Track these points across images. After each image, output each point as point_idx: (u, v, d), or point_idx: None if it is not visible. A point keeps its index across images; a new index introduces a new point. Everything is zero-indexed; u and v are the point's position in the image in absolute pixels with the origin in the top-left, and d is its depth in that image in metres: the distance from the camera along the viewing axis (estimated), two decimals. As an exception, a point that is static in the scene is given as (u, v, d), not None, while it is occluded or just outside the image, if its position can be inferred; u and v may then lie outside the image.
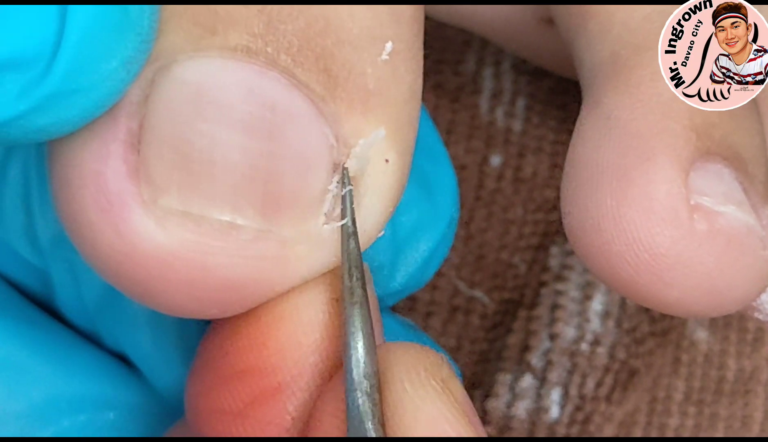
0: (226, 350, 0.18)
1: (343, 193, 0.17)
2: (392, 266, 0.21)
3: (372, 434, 0.16)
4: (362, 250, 0.18)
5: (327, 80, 0.17)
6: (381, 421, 0.16)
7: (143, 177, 0.16)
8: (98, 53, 0.15)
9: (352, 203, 0.17)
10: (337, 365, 0.18)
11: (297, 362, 0.18)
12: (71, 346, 0.22)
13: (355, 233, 0.18)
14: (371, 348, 0.17)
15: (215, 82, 0.16)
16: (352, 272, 0.17)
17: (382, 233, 0.19)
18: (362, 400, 0.16)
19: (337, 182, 0.17)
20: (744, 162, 0.20)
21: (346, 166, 0.17)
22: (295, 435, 0.18)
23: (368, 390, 0.16)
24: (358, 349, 0.17)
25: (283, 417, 0.18)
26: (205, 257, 0.17)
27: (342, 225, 0.17)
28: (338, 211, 0.18)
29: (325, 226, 0.17)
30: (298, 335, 0.18)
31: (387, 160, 0.18)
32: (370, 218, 0.18)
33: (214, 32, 0.16)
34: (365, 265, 0.19)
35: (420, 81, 0.18)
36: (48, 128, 0.16)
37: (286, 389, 0.18)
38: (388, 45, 0.17)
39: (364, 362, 0.17)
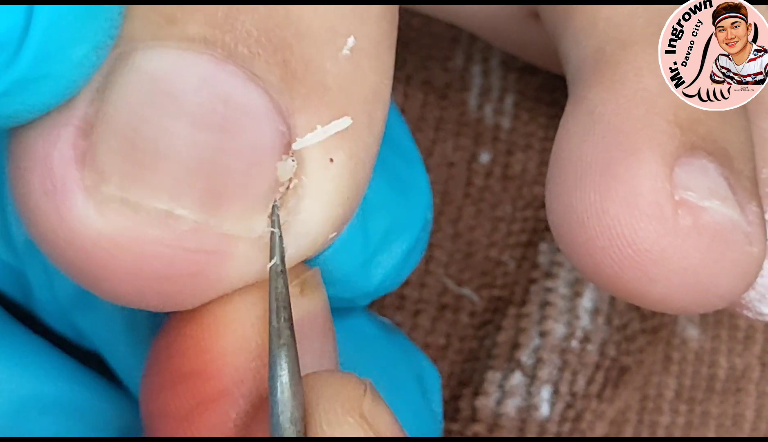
0: (171, 353, 0.18)
1: (271, 230, 0.17)
2: (365, 267, 0.21)
3: None
4: (309, 255, 0.18)
5: (284, 72, 0.17)
6: None
7: (89, 163, 0.16)
8: (68, 39, 0.15)
9: (282, 243, 0.17)
10: None
11: (239, 367, 0.18)
12: (38, 352, 0.22)
13: (283, 272, 0.17)
14: (298, 391, 0.17)
15: (170, 72, 0.16)
16: (280, 313, 0.17)
17: (335, 235, 0.18)
18: None
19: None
20: (729, 158, 0.20)
21: (276, 203, 0.17)
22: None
23: (293, 435, 0.16)
24: (285, 392, 0.16)
25: (226, 424, 0.17)
26: (143, 245, 0.16)
27: (270, 266, 0.17)
28: (285, 219, 0.17)
29: (268, 227, 0.17)
30: (240, 340, 0.18)
31: (331, 160, 0.17)
32: (311, 222, 0.18)
33: (174, 21, 0.16)
34: (317, 270, 0.19)
35: (386, 83, 0.18)
36: (17, 114, 0.16)
37: (228, 396, 0.18)
38: (350, 40, 0.17)
39: (291, 407, 0.16)
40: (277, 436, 0.16)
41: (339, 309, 0.22)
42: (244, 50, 0.16)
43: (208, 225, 0.17)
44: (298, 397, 0.17)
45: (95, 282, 0.17)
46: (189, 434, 0.18)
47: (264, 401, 0.17)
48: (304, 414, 0.17)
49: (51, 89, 0.15)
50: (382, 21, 0.18)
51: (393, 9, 0.18)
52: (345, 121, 0.17)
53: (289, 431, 0.16)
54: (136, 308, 0.18)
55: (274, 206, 0.17)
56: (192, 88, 0.16)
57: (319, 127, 0.17)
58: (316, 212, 0.18)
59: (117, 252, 0.16)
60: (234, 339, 0.18)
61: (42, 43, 0.15)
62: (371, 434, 0.16)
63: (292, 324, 0.17)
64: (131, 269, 0.17)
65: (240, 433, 0.17)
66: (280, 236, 0.17)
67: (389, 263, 0.21)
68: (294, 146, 0.17)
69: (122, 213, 0.16)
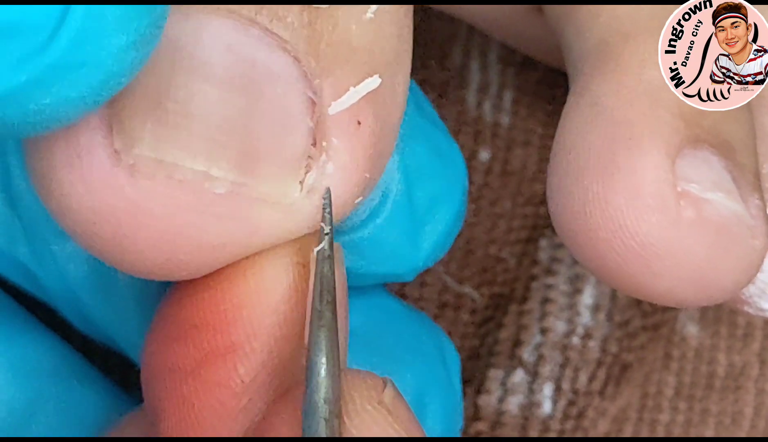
0: (183, 304, 0.18)
1: (321, 221, 0.17)
2: (414, 239, 0.21)
3: None
4: (336, 219, 0.18)
5: (311, 35, 0.17)
6: None
7: (116, 128, 0.16)
8: (107, 26, 0.14)
9: (331, 227, 0.17)
10: (296, 332, 0.17)
11: (252, 321, 0.17)
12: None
13: (330, 257, 0.17)
14: (335, 373, 0.16)
15: (195, 36, 0.16)
16: (324, 295, 0.17)
17: (360, 199, 0.18)
18: (320, 425, 0.16)
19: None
20: (733, 150, 0.20)
21: (325, 195, 0.17)
22: (246, 404, 0.17)
23: (326, 416, 0.16)
24: (321, 373, 0.16)
25: (233, 380, 0.17)
26: (175, 213, 0.16)
27: (317, 250, 0.17)
28: (314, 183, 0.17)
29: (299, 194, 0.17)
30: (258, 293, 0.17)
31: (359, 123, 0.17)
32: (339, 185, 0.17)
33: None
34: (339, 245, 0.19)
35: (407, 49, 0.18)
36: (49, 110, 0.14)
37: (239, 349, 0.17)
38: (374, 5, 0.17)
39: (326, 387, 0.16)
40: (310, 415, 0.16)
41: (362, 288, 0.21)
42: (269, 14, 0.16)
43: (244, 186, 0.17)
44: (335, 379, 0.16)
45: (120, 255, 0.17)
46: (193, 390, 0.17)
47: (291, 381, 0.17)
48: (339, 397, 0.16)
49: (86, 81, 0.14)
50: None
51: None
52: (375, 80, 0.17)
53: (323, 411, 0.16)
54: (156, 279, 0.17)
55: (326, 194, 0.17)
56: (217, 52, 0.16)
57: (351, 88, 0.17)
58: (344, 176, 0.17)
59: (147, 221, 0.16)
60: (252, 292, 0.17)
61: (80, 26, 0.14)
62: (390, 420, 0.16)
63: (335, 308, 0.17)
64: (160, 239, 0.16)
65: (250, 391, 0.17)
66: (330, 219, 0.17)
67: (436, 233, 0.21)
68: (330, 110, 0.17)
69: (156, 176, 0.16)
